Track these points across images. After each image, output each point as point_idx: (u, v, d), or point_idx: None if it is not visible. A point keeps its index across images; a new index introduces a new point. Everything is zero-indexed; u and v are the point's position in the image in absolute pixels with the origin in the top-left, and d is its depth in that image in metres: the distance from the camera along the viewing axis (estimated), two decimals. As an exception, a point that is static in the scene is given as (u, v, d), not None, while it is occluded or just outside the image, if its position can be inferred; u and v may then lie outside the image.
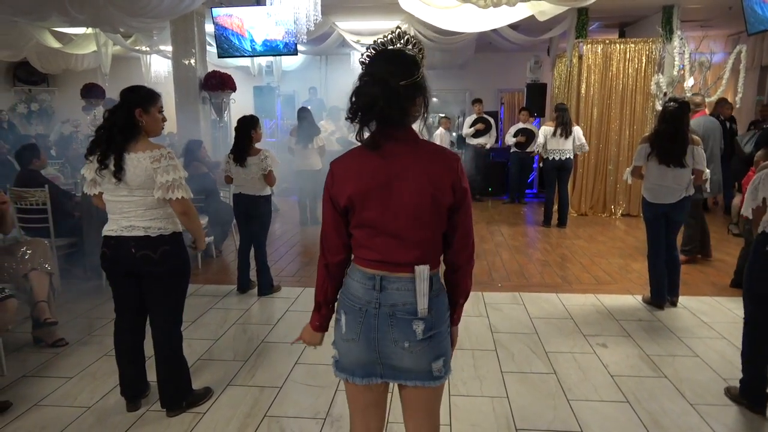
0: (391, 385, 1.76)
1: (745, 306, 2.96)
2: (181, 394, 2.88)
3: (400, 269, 1.61)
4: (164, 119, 2.76)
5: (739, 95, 6.93)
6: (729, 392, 3.05)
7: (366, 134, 1.61)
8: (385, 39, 1.64)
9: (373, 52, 1.64)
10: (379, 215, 1.59)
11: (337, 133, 8.89)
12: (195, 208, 2.80)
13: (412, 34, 1.68)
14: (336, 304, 1.77)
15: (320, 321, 1.80)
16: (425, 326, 1.63)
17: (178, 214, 2.70)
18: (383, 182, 1.58)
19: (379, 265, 1.63)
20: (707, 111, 6.64)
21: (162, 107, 2.74)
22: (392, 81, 1.54)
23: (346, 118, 1.63)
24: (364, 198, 1.59)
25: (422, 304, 1.60)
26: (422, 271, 1.60)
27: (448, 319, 1.72)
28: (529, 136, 9.24)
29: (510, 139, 9.35)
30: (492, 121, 9.89)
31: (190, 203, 2.72)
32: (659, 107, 5.94)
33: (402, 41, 1.63)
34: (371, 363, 1.68)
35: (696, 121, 5.36)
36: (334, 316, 1.78)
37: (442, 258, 1.72)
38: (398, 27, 1.70)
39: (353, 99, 1.58)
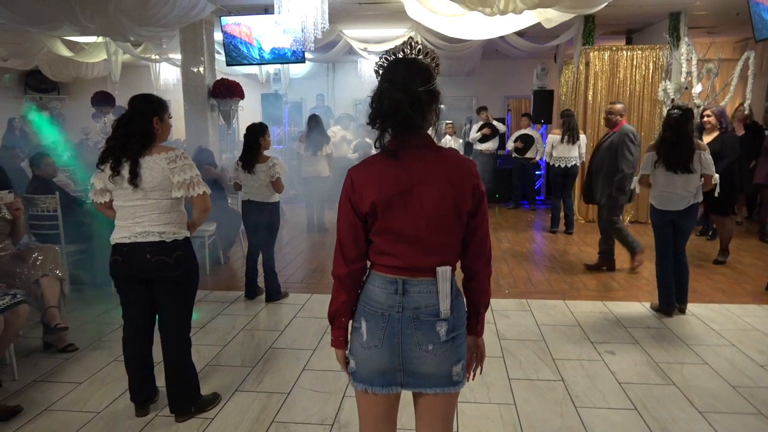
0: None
1: None
2: (189, 400, 2.90)
3: (421, 273, 1.62)
4: (170, 125, 2.83)
5: (748, 102, 6.91)
6: None
7: (383, 141, 1.62)
8: (398, 49, 1.66)
9: (387, 60, 1.65)
10: (401, 221, 1.60)
11: (354, 141, 8.91)
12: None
13: (423, 43, 1.70)
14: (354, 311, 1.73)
15: (335, 335, 1.74)
16: (448, 327, 1.64)
17: (200, 211, 2.77)
18: (405, 188, 1.59)
19: (400, 271, 1.63)
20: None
21: (170, 114, 2.81)
22: (413, 87, 1.56)
23: (367, 123, 1.63)
24: (387, 204, 1.59)
25: (445, 305, 1.62)
26: (444, 271, 1.61)
27: (466, 322, 1.73)
28: (527, 141, 9.34)
29: (509, 144, 9.54)
30: (501, 126, 9.96)
31: (210, 200, 2.78)
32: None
33: (414, 51, 1.65)
34: (392, 371, 1.66)
35: None
36: (351, 324, 1.73)
37: (459, 264, 1.73)
38: (411, 38, 1.73)
39: (376, 104, 1.59)
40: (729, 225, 5.94)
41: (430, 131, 1.68)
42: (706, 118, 5.70)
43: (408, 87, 1.56)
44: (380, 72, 1.65)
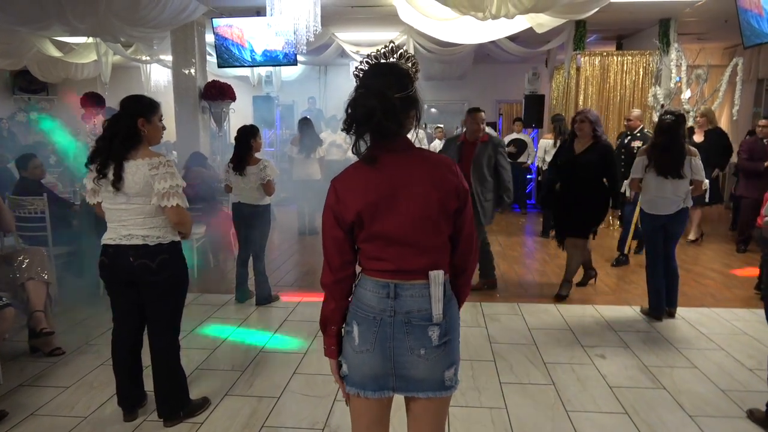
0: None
1: None
2: (178, 404, 2.87)
3: (413, 276, 1.62)
4: (163, 128, 2.79)
5: (736, 107, 6.98)
6: (752, 415, 2.91)
7: (362, 147, 1.61)
8: (379, 53, 1.66)
9: (367, 65, 1.65)
10: (390, 226, 1.59)
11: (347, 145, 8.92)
12: (190, 217, 2.79)
13: (405, 48, 1.69)
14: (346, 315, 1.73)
15: (326, 344, 1.73)
16: (440, 332, 1.63)
17: (173, 223, 2.70)
18: (390, 193, 1.58)
19: (392, 274, 1.62)
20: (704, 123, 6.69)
21: (162, 116, 2.76)
22: (388, 93, 1.55)
23: (342, 129, 1.63)
24: (373, 211, 1.59)
25: (437, 309, 1.61)
26: (437, 276, 1.61)
27: (459, 326, 1.72)
28: (520, 146, 9.35)
29: None
30: (492, 132, 9.96)
31: (186, 212, 2.71)
32: (656, 119, 5.93)
33: (395, 55, 1.64)
34: (384, 375, 1.65)
35: None
36: (344, 328, 1.72)
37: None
38: (391, 41, 1.72)
39: (350, 110, 1.58)
40: (584, 250, 4.92)
41: (413, 133, 1.67)
42: (578, 124, 4.62)
43: (383, 94, 1.54)
44: (360, 76, 1.64)
